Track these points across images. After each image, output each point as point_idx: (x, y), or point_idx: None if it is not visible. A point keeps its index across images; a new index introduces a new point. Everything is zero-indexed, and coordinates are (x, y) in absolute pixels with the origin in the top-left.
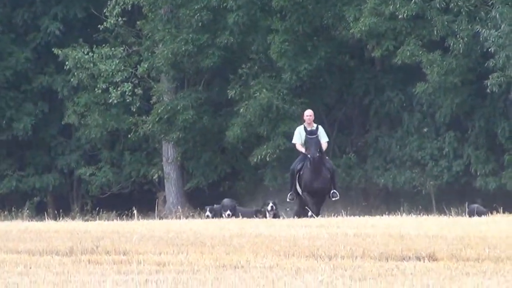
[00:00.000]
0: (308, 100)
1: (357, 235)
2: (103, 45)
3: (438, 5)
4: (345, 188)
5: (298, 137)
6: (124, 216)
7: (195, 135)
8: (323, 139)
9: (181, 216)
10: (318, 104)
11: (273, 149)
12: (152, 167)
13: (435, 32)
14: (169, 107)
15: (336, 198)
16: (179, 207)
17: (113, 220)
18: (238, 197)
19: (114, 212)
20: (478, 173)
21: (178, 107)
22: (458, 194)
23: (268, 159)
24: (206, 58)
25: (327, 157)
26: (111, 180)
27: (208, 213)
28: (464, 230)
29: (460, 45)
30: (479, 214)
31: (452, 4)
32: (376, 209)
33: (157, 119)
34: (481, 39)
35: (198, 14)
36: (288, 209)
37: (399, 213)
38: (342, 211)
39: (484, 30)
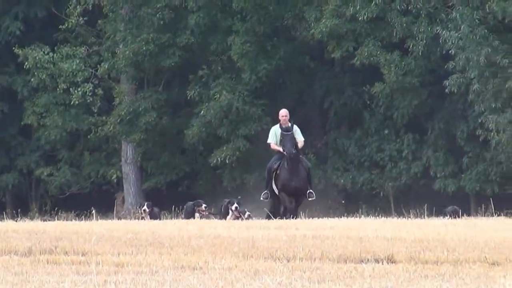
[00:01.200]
0: (268, 101)
1: (315, 237)
2: (64, 45)
3: (398, 7)
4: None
5: (273, 136)
6: (83, 217)
7: (155, 136)
8: (299, 137)
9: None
10: (278, 105)
11: (233, 151)
12: (111, 168)
13: (395, 33)
14: (131, 109)
15: (313, 198)
16: (138, 207)
17: (71, 220)
18: (197, 197)
19: (73, 212)
20: (438, 175)
21: (140, 109)
22: (417, 196)
23: (227, 161)
24: (166, 58)
25: (301, 156)
26: (70, 180)
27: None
28: (423, 232)
29: (420, 47)
30: (455, 215)
31: (412, 6)
32: (335, 210)
33: (118, 121)
34: (441, 40)
35: (159, 13)
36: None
37: (357, 215)
38: (301, 212)
39: (444, 31)
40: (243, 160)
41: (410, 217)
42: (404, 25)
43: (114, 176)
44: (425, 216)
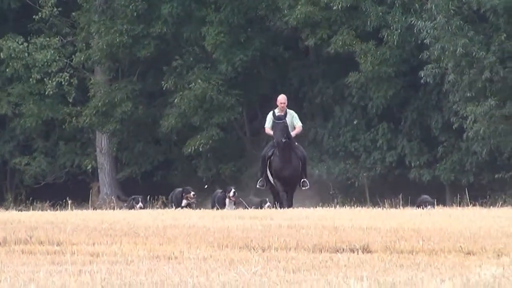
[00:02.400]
0: (243, 91)
1: (290, 227)
2: (38, 35)
3: None
4: None
5: (269, 121)
6: (58, 206)
7: (130, 126)
8: (296, 123)
9: (115, 207)
10: (253, 95)
11: (206, 139)
12: (86, 158)
13: (369, 23)
14: (106, 100)
15: (307, 188)
16: (113, 197)
17: (47, 210)
18: (172, 187)
19: (48, 202)
20: (412, 165)
21: (115, 100)
22: (391, 186)
23: (201, 149)
24: (141, 48)
25: (296, 143)
26: (45, 170)
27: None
28: (398, 222)
29: (395, 36)
30: (428, 205)
31: None
32: (311, 200)
33: (94, 112)
34: (415, 30)
35: (133, 4)
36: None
37: (332, 205)
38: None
39: (419, 21)
40: (218, 150)
41: (385, 207)
42: (380, 14)
43: (89, 166)
44: (400, 206)
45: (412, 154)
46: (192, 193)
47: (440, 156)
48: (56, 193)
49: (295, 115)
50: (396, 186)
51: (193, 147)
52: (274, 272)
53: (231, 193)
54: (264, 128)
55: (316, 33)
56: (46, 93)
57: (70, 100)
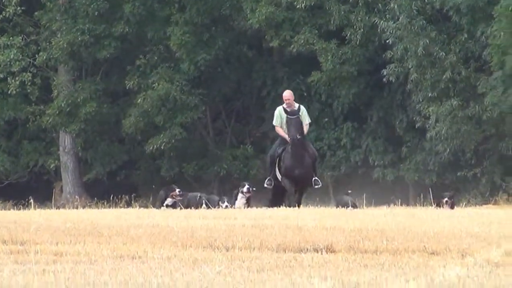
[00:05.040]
0: (206, 91)
1: (254, 227)
2: (1, 34)
3: None
4: (242, 179)
5: (278, 118)
6: (21, 206)
7: (94, 125)
8: (305, 120)
9: (78, 206)
10: (216, 94)
11: (169, 138)
12: (49, 157)
13: (332, 21)
14: (70, 101)
15: (319, 186)
16: (76, 197)
17: (9, 209)
18: (135, 186)
19: (11, 201)
20: (376, 164)
21: (78, 100)
22: (356, 185)
23: (163, 147)
24: (102, 48)
25: (308, 141)
26: (8, 169)
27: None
28: (362, 222)
29: (358, 36)
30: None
31: None
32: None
33: (57, 112)
34: (379, 30)
35: (94, 3)
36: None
37: (296, 204)
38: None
39: (382, 21)
40: (181, 149)
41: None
42: (342, 13)
43: (53, 165)
44: (364, 206)
45: (376, 153)
46: (177, 190)
47: (404, 156)
48: (19, 193)
49: (305, 111)
50: (360, 185)
51: (155, 146)
52: (238, 271)
53: (245, 188)
54: (274, 126)
55: (279, 34)
56: (9, 92)
57: (34, 100)
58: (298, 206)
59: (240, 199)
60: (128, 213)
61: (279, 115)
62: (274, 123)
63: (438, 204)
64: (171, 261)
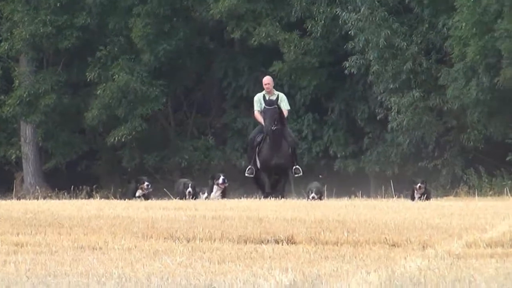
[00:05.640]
0: (167, 82)
1: (215, 218)
2: None
3: None
4: (204, 170)
5: (258, 104)
6: None
7: (55, 116)
8: (284, 107)
9: (39, 197)
10: (177, 86)
11: (129, 130)
12: (11, 147)
13: (293, 13)
14: (31, 91)
15: (299, 175)
16: (37, 187)
17: None
18: (96, 177)
19: None
20: (338, 155)
21: (40, 91)
22: (317, 177)
23: (124, 139)
24: (64, 39)
25: (288, 129)
26: None
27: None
28: (323, 213)
29: (319, 27)
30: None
31: None
32: (234, 191)
33: (18, 102)
34: (340, 21)
35: None
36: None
37: (257, 196)
38: (201, 194)
39: (344, 13)
40: (142, 140)
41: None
42: (304, 4)
43: (14, 156)
44: (325, 197)
45: (338, 144)
46: (146, 183)
47: (365, 147)
48: None
49: (284, 98)
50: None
51: (116, 138)
52: (199, 262)
53: (220, 180)
54: (253, 112)
55: (241, 26)
56: None
57: None
58: (282, 197)
59: (216, 191)
60: (89, 204)
61: (258, 101)
62: (254, 108)
63: (412, 195)
64: (131, 252)
